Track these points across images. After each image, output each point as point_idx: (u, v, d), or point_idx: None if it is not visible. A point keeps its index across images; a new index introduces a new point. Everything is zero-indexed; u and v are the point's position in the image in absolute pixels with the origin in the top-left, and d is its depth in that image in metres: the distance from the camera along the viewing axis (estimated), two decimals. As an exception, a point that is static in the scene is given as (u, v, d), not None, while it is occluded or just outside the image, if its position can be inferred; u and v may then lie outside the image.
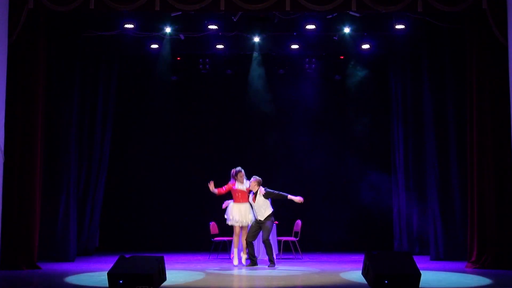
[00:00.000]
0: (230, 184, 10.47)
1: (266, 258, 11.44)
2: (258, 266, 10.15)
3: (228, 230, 11.83)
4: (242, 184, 10.44)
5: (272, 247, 10.28)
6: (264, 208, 10.22)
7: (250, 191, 10.40)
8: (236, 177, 10.43)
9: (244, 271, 9.60)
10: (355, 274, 8.53)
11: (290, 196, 10.19)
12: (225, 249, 11.86)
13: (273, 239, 11.63)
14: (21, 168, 9.48)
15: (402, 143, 12.53)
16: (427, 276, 8.12)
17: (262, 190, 10.25)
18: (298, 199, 10.17)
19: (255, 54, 12.65)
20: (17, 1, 9.47)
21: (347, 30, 11.39)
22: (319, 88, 13.46)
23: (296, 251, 11.56)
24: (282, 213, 12.15)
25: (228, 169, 13.71)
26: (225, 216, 10.55)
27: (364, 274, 7.19)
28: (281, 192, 10.24)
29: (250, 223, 10.35)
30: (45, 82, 10.04)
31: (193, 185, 13.77)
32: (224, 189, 10.49)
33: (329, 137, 13.49)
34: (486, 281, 8.06)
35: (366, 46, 12.18)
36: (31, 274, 8.86)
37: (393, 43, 12.24)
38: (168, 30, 11.38)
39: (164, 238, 13.49)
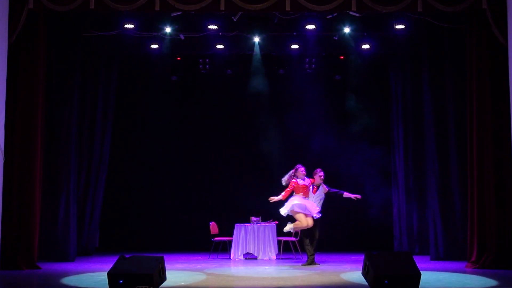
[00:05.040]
0: (292, 184, 10.38)
1: (266, 258, 11.48)
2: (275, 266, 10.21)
3: (228, 230, 11.86)
4: (303, 180, 10.46)
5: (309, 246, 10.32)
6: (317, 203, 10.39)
7: (311, 185, 10.45)
8: (296, 174, 10.40)
9: (244, 271, 9.60)
10: (355, 274, 8.53)
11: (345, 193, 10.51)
12: (225, 249, 11.87)
13: (273, 239, 11.66)
14: (21, 168, 9.48)
15: (402, 143, 12.53)
16: (427, 276, 8.12)
17: (325, 186, 10.46)
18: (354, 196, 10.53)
19: (255, 53, 12.65)
20: (17, 1, 9.46)
21: (347, 30, 11.40)
22: (319, 88, 13.46)
23: (296, 251, 11.57)
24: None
25: (228, 169, 13.80)
26: (299, 209, 10.29)
27: (364, 274, 7.18)
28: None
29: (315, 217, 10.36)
30: (45, 82, 10.04)
31: (193, 185, 13.79)
32: (287, 192, 10.43)
33: (329, 137, 13.48)
34: (486, 281, 8.06)
35: (366, 46, 12.18)
36: (31, 274, 8.85)
37: (393, 43, 12.24)
38: (168, 30, 11.38)
39: (164, 238, 13.50)
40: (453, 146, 10.97)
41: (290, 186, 10.32)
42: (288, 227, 10.24)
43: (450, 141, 11.03)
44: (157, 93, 13.67)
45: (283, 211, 10.35)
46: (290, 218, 10.62)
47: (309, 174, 10.54)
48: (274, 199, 10.42)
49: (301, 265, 10.26)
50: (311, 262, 10.22)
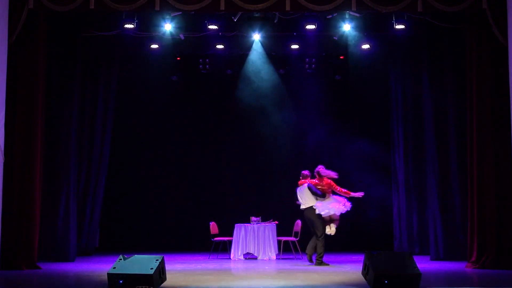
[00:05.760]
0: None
1: (266, 258, 11.48)
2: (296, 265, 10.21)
3: (228, 230, 11.85)
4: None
5: (318, 246, 10.18)
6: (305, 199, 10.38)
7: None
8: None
9: (244, 271, 9.61)
10: (355, 274, 8.53)
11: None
12: (225, 249, 11.86)
13: (273, 239, 11.66)
14: (21, 168, 9.47)
15: (402, 143, 12.53)
16: (427, 276, 8.12)
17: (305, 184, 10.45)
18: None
19: (255, 53, 12.63)
20: (17, 1, 9.46)
21: (347, 30, 11.39)
22: (319, 88, 13.45)
23: (296, 251, 11.56)
24: (282, 213, 12.17)
25: (228, 169, 13.81)
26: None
27: (364, 274, 7.18)
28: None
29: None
30: (45, 82, 10.04)
31: (193, 185, 13.80)
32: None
33: (329, 137, 13.48)
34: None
35: (366, 46, 12.18)
36: (31, 274, 8.85)
37: (393, 43, 12.24)
38: (168, 30, 11.38)
39: (164, 238, 13.50)
40: (453, 146, 10.97)
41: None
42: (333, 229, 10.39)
43: (450, 141, 11.03)
44: (157, 93, 13.67)
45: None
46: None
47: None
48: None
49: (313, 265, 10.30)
50: (321, 262, 10.26)
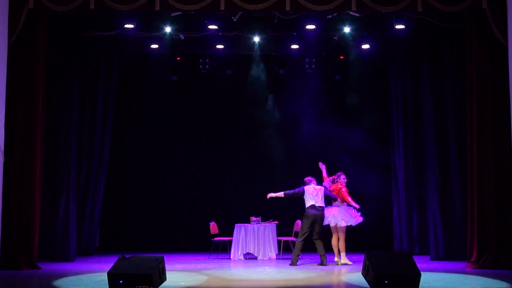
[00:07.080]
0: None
1: (266, 258, 11.48)
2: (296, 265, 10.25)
3: (228, 230, 11.85)
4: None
5: (321, 246, 10.30)
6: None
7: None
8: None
9: (244, 271, 9.60)
10: (355, 274, 8.53)
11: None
12: (225, 249, 11.87)
13: (273, 239, 11.65)
14: (21, 168, 9.47)
15: (402, 143, 12.53)
16: (427, 276, 8.12)
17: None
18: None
19: (255, 53, 12.63)
20: (17, 1, 9.47)
21: (347, 30, 11.40)
22: (319, 88, 13.45)
23: (296, 251, 11.54)
24: (282, 213, 12.17)
25: (228, 168, 13.80)
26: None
27: (364, 274, 7.18)
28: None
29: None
30: (45, 82, 10.04)
31: (193, 185, 13.79)
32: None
33: (329, 137, 13.48)
34: (486, 280, 8.06)
35: (366, 46, 12.18)
36: (31, 274, 8.85)
37: (393, 43, 12.23)
38: (168, 30, 11.38)
39: (164, 238, 13.50)
40: (453, 146, 10.98)
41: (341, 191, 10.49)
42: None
43: (450, 141, 11.03)
44: (157, 93, 13.66)
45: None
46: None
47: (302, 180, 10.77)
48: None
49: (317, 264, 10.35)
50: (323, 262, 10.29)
